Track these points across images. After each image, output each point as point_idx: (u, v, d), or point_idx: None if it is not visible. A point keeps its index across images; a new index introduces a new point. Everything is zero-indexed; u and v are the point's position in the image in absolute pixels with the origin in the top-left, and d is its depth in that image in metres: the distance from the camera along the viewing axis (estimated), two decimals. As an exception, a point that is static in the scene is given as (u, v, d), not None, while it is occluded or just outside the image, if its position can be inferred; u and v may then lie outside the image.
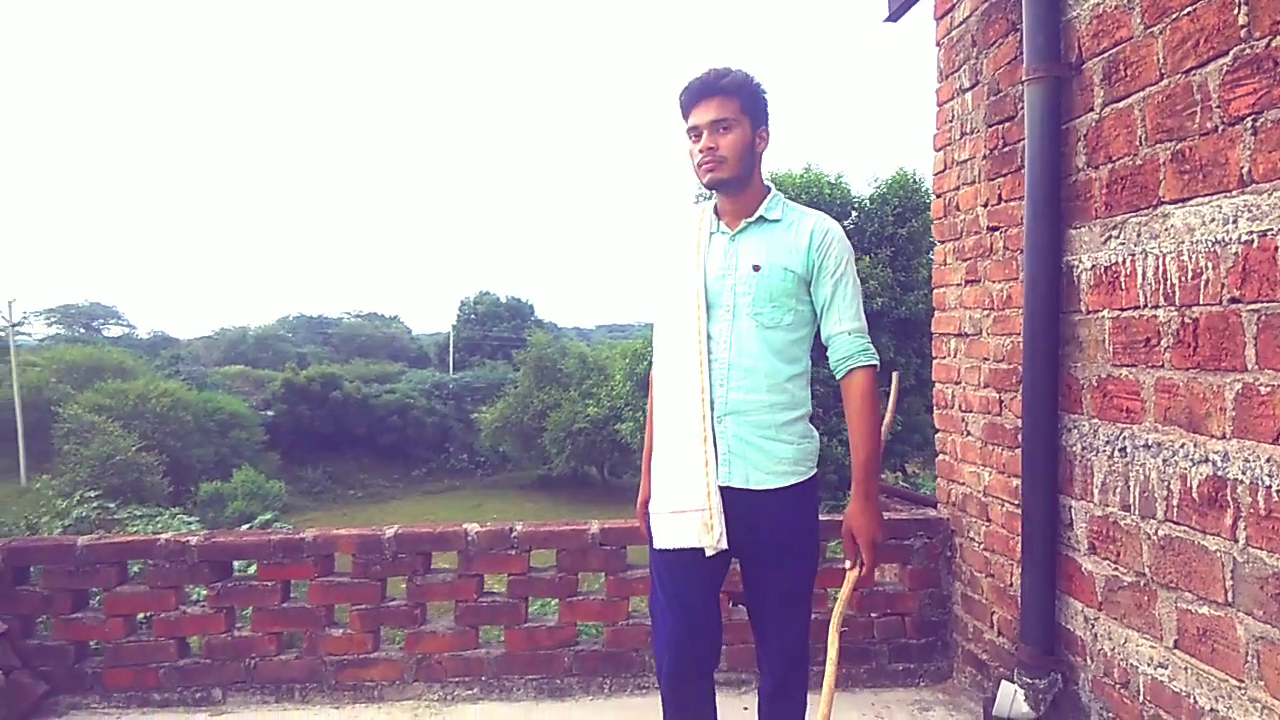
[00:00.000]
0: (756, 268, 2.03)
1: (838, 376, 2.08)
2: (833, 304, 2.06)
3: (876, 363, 2.07)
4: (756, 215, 2.09)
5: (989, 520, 2.67)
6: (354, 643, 2.95)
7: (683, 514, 2.01)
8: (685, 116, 2.08)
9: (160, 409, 30.43)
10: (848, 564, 2.08)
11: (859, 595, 2.97)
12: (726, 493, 2.00)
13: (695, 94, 2.04)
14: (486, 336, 56.06)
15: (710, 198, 2.19)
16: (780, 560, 2.05)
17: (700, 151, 2.03)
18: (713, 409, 2.02)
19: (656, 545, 2.07)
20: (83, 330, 60.22)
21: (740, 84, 2.03)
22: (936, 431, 3.04)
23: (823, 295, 2.06)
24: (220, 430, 32.66)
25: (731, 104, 2.01)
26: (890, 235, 18.57)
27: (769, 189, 2.14)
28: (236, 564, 3.08)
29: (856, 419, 2.05)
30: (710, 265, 2.09)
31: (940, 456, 3.03)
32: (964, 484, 2.84)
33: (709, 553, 2.00)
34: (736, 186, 2.06)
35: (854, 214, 19.43)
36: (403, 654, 2.95)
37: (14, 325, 38.31)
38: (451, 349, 57.67)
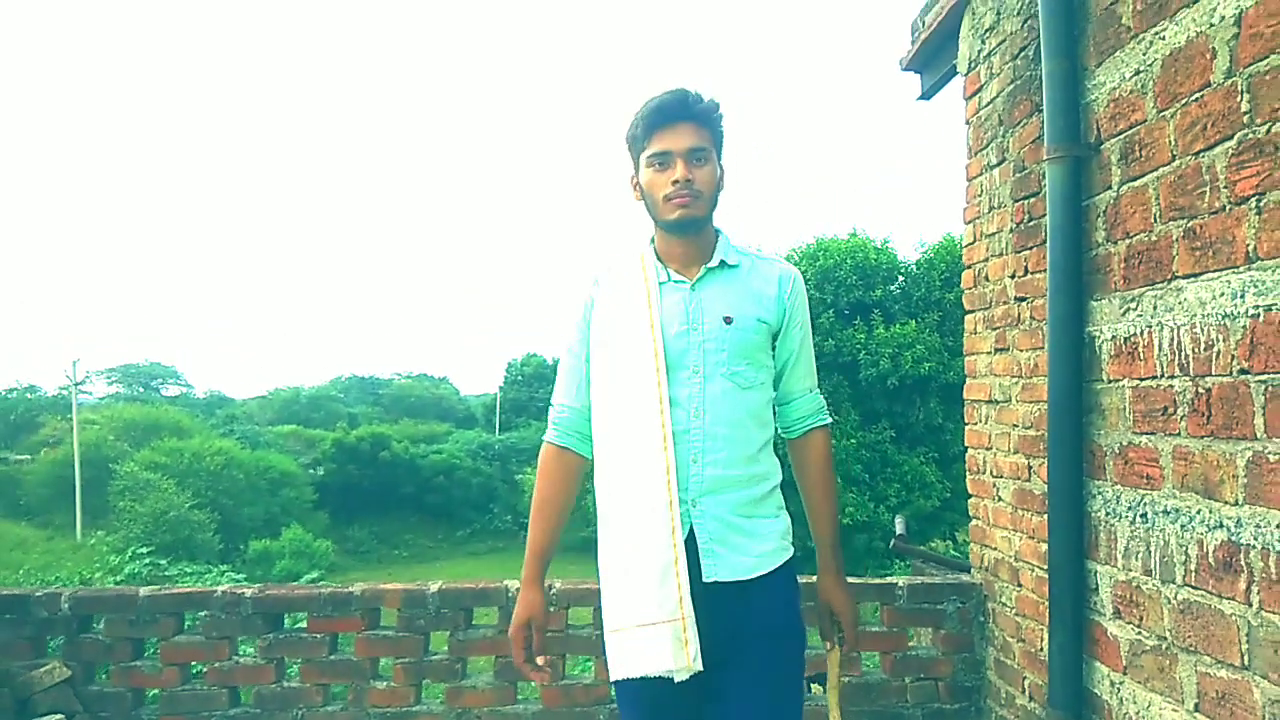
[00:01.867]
0: (729, 320, 1.82)
1: (792, 435, 1.95)
2: (799, 358, 1.93)
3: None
4: (717, 260, 1.87)
5: (1020, 585, 2.70)
6: (397, 695, 3.04)
7: (651, 627, 1.68)
8: (647, 139, 1.81)
9: (214, 467, 31.09)
10: (827, 645, 1.96)
11: (891, 659, 3.00)
12: (708, 591, 1.72)
13: (668, 114, 1.79)
14: (533, 398, 56.46)
15: (651, 242, 1.94)
16: (771, 659, 1.78)
17: (672, 184, 1.77)
18: (683, 491, 1.74)
19: (619, 674, 1.73)
20: (142, 389, 61.83)
21: (715, 112, 1.83)
22: (969, 497, 3.08)
23: (789, 349, 1.91)
24: (271, 489, 33.23)
25: (705, 133, 1.82)
26: (937, 300, 18.58)
27: (718, 230, 1.93)
28: (287, 617, 3.19)
29: (822, 482, 1.93)
30: (668, 320, 1.82)
31: (973, 521, 3.07)
32: (996, 549, 2.88)
33: (680, 678, 1.69)
34: (699, 228, 1.85)
35: (900, 279, 19.49)
36: (444, 707, 3.03)
37: (77, 384, 39.41)
38: (498, 410, 58.17)
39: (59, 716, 2.93)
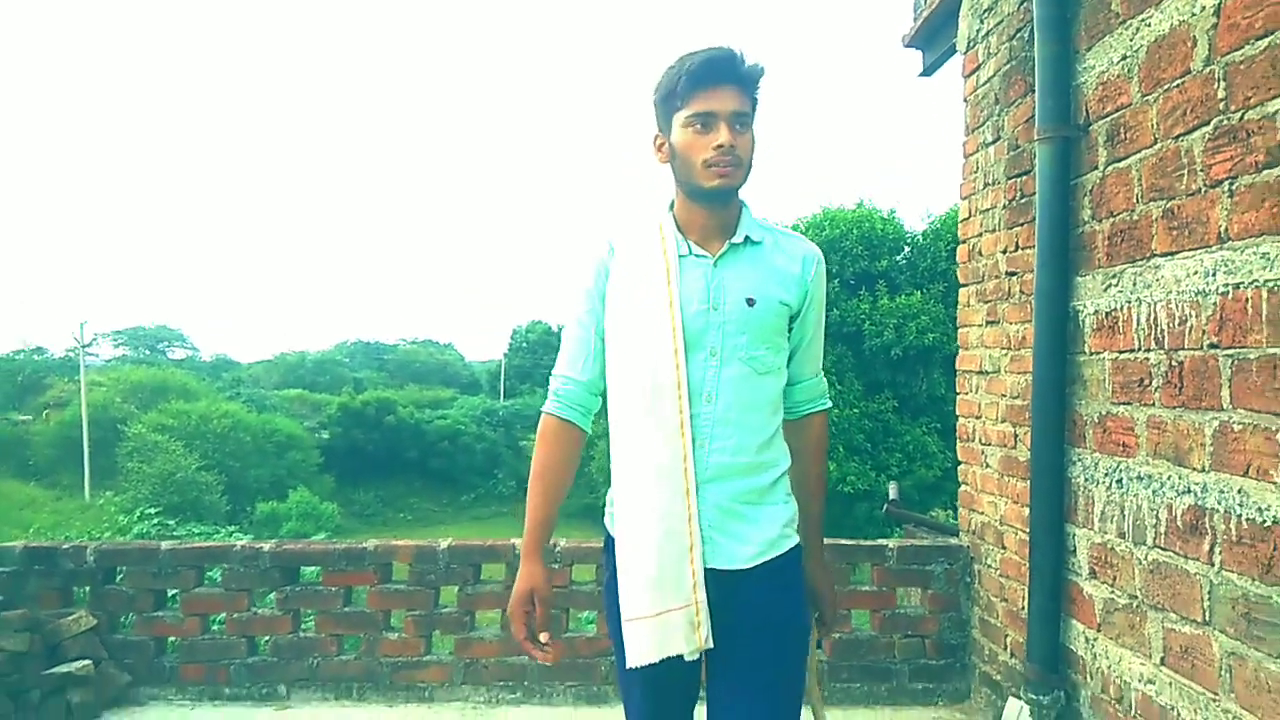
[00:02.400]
0: (751, 302, 1.71)
1: (792, 417, 1.86)
2: (811, 342, 1.84)
3: None
4: (742, 236, 1.75)
5: (1004, 548, 2.82)
6: (408, 646, 3.17)
7: (667, 614, 1.65)
8: (688, 97, 1.66)
9: (221, 430, 31.33)
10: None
11: (880, 617, 3.13)
12: (707, 577, 1.66)
13: (716, 72, 1.65)
14: (538, 365, 56.64)
15: (670, 209, 1.81)
16: (771, 650, 1.71)
17: (715, 148, 1.64)
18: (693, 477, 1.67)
19: (636, 661, 1.67)
20: (148, 352, 62.12)
21: (761, 77, 1.71)
22: (959, 463, 3.20)
23: (804, 332, 1.82)
24: (278, 452, 33.48)
25: (748, 98, 1.69)
26: (943, 271, 18.62)
27: (742, 202, 1.79)
28: (304, 570, 3.32)
29: (815, 465, 1.88)
30: (688, 298, 1.71)
31: (962, 487, 3.18)
32: (983, 513, 3.00)
33: (691, 658, 1.66)
34: (732, 198, 1.73)
35: (906, 249, 19.53)
36: (452, 658, 3.17)
37: (84, 346, 39.63)
38: (503, 376, 58.41)
39: (86, 662, 3.07)
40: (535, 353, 58.12)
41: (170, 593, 3.35)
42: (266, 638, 3.26)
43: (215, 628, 3.32)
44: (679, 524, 1.65)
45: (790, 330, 1.79)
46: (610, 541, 1.82)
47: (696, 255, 1.75)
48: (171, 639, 3.34)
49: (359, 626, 3.20)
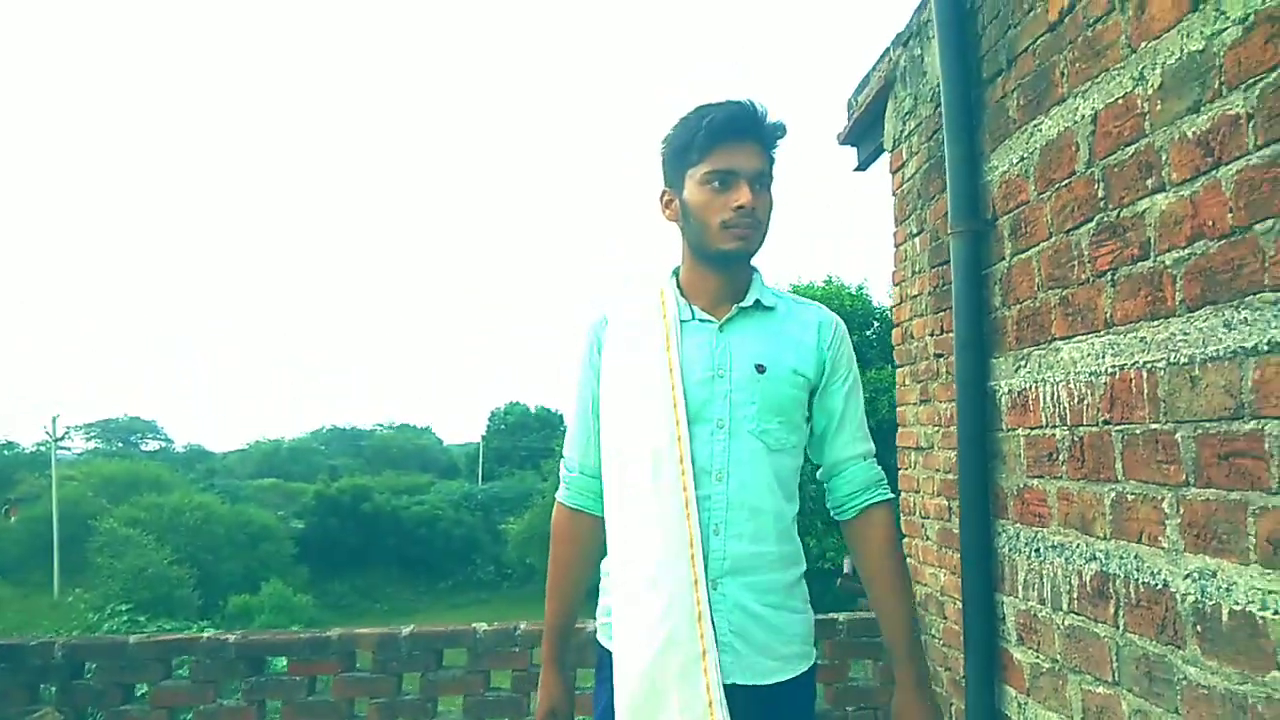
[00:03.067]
0: (761, 369, 1.57)
1: (846, 516, 1.67)
2: (845, 419, 1.67)
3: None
4: (752, 300, 1.63)
5: (945, 617, 2.93)
6: (372, 734, 3.22)
7: None
8: (706, 152, 1.54)
9: (193, 522, 30.97)
10: None
11: (833, 690, 3.21)
12: (727, 695, 1.44)
13: (739, 128, 1.54)
14: (516, 447, 56.49)
15: (674, 275, 1.71)
16: None
17: (735, 209, 1.52)
18: (705, 569, 1.47)
19: None
20: (121, 444, 61.44)
21: (783, 136, 1.60)
22: (903, 537, 3.32)
23: (833, 407, 1.66)
24: (251, 543, 33.06)
25: (768, 157, 1.59)
26: (909, 347, 18.88)
27: (753, 267, 1.67)
28: (268, 661, 3.37)
29: (890, 572, 1.64)
30: (690, 364, 1.57)
31: (907, 559, 3.30)
32: (925, 584, 3.12)
33: None
34: (746, 262, 1.63)
35: (875, 324, 19.86)
36: (417, 744, 3.21)
37: (56, 440, 39.22)
38: (481, 459, 58.10)
39: (51, 760, 3.10)
40: (514, 434, 58.00)
41: (138, 687, 3.38)
42: (233, 730, 3.29)
43: (182, 721, 3.35)
44: (685, 625, 1.42)
45: (811, 408, 1.65)
46: (605, 658, 1.59)
47: (700, 320, 1.62)
48: (138, 734, 3.36)
49: (324, 715, 3.24)
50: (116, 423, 64.13)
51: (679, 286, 1.68)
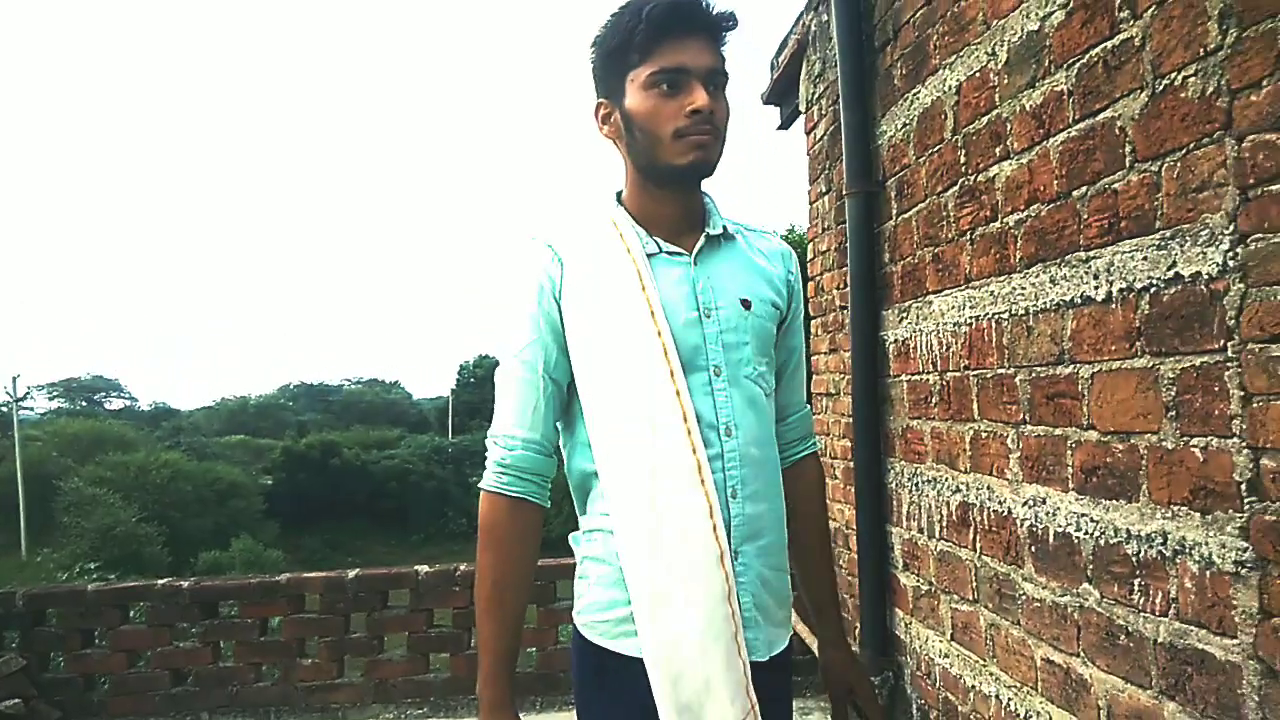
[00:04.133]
0: (747, 305, 1.40)
1: (790, 461, 1.54)
2: (797, 364, 1.56)
3: None
4: (719, 228, 1.44)
5: (849, 549, 3.16)
6: (321, 670, 3.43)
7: None
8: (647, 51, 1.31)
9: (160, 480, 30.97)
10: None
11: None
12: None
13: (685, 18, 1.31)
14: (485, 400, 56.57)
15: (618, 203, 1.46)
16: None
17: (689, 114, 1.30)
18: (729, 538, 1.30)
19: None
20: (85, 403, 60.94)
21: (735, 28, 1.37)
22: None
23: (793, 345, 1.54)
24: (219, 500, 33.12)
25: (721, 54, 1.36)
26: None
27: (704, 192, 1.47)
28: (222, 605, 3.56)
29: (821, 525, 1.58)
30: (671, 304, 1.36)
31: (822, 499, 3.54)
32: (834, 519, 3.34)
33: None
34: (704, 178, 1.40)
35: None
36: (363, 679, 3.43)
37: (17, 400, 38.86)
38: (451, 413, 58.27)
39: (16, 701, 3.28)
40: (483, 387, 58.06)
41: (97, 632, 3.56)
42: (190, 669, 3.48)
43: (141, 663, 3.53)
44: (717, 605, 1.26)
45: (776, 345, 1.48)
46: (610, 664, 1.34)
47: (669, 253, 1.40)
48: (101, 675, 3.55)
49: (275, 654, 3.44)
50: (80, 381, 63.51)
51: (630, 215, 1.42)
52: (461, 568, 3.41)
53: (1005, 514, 1.97)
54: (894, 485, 2.62)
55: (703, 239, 1.42)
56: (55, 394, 61.64)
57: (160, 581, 3.50)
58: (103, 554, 24.67)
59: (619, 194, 1.47)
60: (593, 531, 1.41)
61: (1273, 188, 1.21)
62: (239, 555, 27.37)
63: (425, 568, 3.43)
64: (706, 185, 1.47)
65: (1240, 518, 1.29)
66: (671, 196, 1.41)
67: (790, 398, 1.56)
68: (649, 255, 1.39)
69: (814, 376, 3.54)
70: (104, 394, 64.86)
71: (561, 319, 1.38)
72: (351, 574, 3.45)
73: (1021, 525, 1.90)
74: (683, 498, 1.29)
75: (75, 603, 3.45)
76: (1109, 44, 1.55)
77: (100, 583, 3.52)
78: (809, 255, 3.53)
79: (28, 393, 49.15)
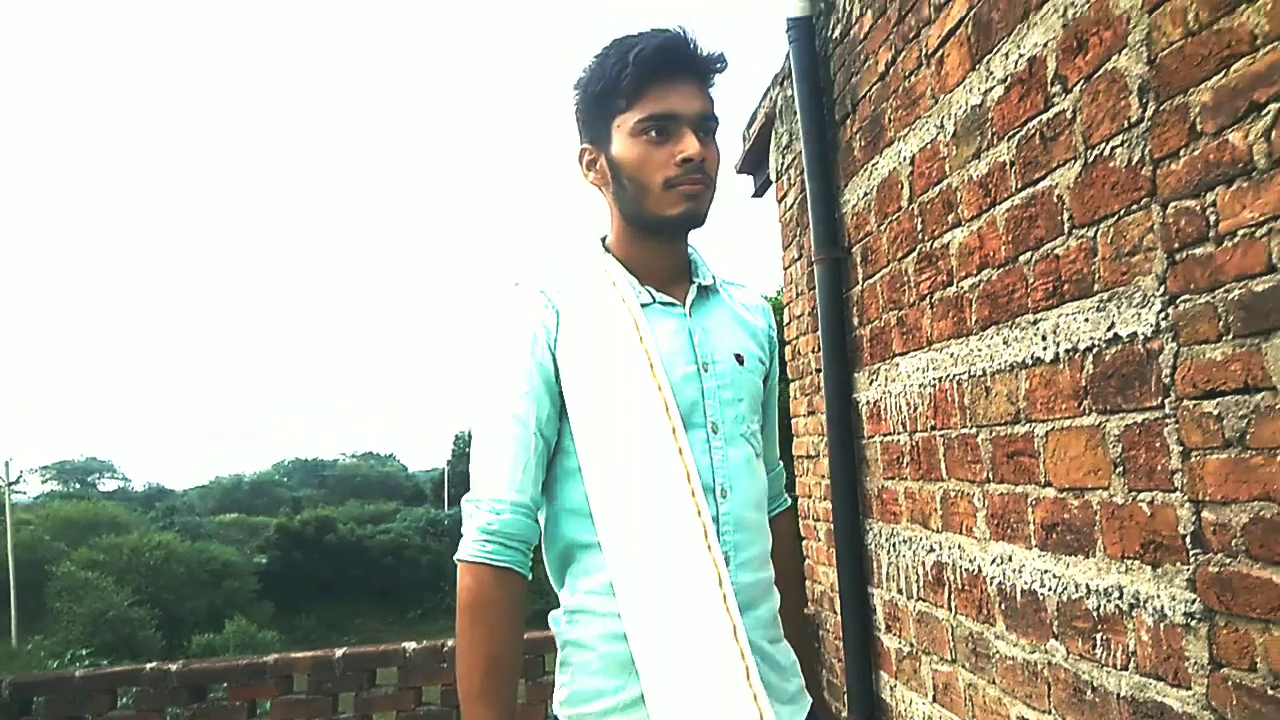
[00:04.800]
0: (741, 359, 1.36)
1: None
2: (774, 417, 1.53)
3: None
4: (709, 279, 1.41)
5: (835, 612, 3.17)
6: (311, 752, 3.39)
7: None
8: (635, 95, 1.25)
9: (154, 562, 30.67)
10: None
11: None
12: None
13: (677, 61, 1.26)
14: (481, 471, 56.16)
15: (604, 250, 1.40)
16: None
17: (680, 162, 1.25)
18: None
19: None
20: (78, 485, 60.54)
21: (723, 71, 1.32)
22: (802, 539, 3.56)
23: (770, 403, 1.51)
24: (213, 580, 32.76)
25: (710, 98, 1.31)
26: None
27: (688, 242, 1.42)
28: (212, 688, 3.53)
29: (797, 580, 1.57)
30: (670, 357, 1.30)
31: (806, 561, 3.55)
32: (820, 583, 3.35)
33: None
34: (694, 229, 1.35)
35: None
36: (353, 759, 3.39)
37: (10, 484, 38.58)
38: (446, 484, 57.86)
39: (0, 793, 3.23)
40: (477, 459, 57.67)
41: (86, 718, 3.53)
42: (177, 755, 3.45)
43: (127, 750, 3.50)
44: (740, 690, 1.17)
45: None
46: None
47: (663, 303, 1.35)
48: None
49: (264, 737, 3.41)
50: (73, 464, 63.21)
51: (620, 263, 1.37)
52: (449, 643, 3.40)
53: (976, 572, 2.00)
54: (873, 546, 2.65)
55: (694, 289, 1.38)
56: (49, 476, 61.29)
57: (149, 666, 3.47)
58: (95, 639, 24.33)
59: (604, 240, 1.42)
60: (577, 613, 1.31)
61: (1196, 251, 1.27)
62: (233, 637, 26.95)
63: (413, 644, 3.42)
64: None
65: (1187, 570, 1.33)
66: (661, 246, 1.37)
67: (770, 453, 1.52)
68: (643, 305, 1.34)
69: (794, 439, 3.58)
70: (98, 475, 64.52)
71: (556, 371, 1.30)
72: (339, 653, 3.43)
73: (991, 583, 1.93)
74: (693, 565, 1.20)
75: (63, 689, 3.43)
76: (1044, 117, 1.63)
77: (89, 669, 3.49)
78: (785, 319, 3.60)
79: (20, 476, 48.71)
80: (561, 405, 1.31)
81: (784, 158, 3.42)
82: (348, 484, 63.49)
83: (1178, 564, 1.35)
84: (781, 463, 1.59)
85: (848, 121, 2.64)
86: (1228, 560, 1.25)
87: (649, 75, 1.24)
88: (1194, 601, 1.32)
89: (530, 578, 1.28)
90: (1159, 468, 1.38)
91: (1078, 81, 1.52)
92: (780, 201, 3.54)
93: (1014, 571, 1.83)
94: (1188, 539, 1.33)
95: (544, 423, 1.28)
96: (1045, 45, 1.60)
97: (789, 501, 1.60)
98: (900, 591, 2.46)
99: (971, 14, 1.85)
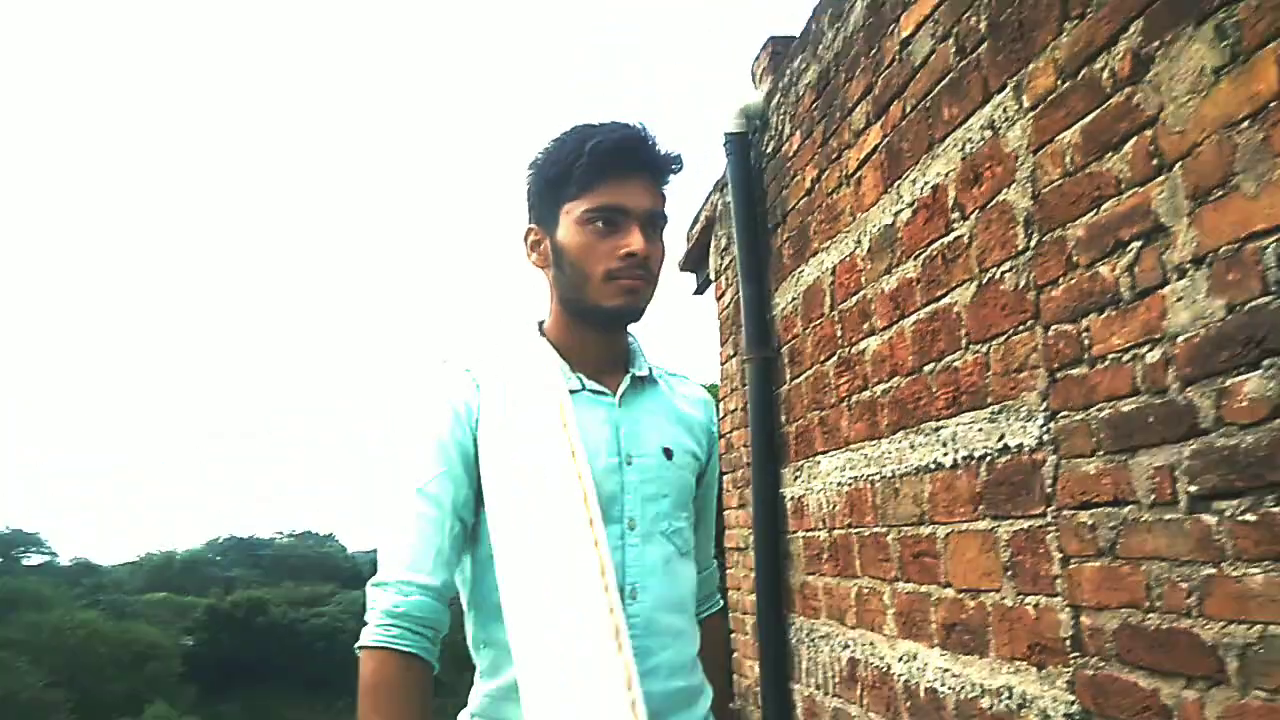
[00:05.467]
0: (669, 454, 1.31)
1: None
2: (709, 514, 1.48)
3: None
4: (645, 370, 1.37)
5: (759, 707, 3.20)
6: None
7: None
8: (588, 185, 1.25)
9: (74, 641, 29.46)
10: None
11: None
12: None
13: (632, 157, 1.27)
14: (422, 554, 55.09)
15: (540, 334, 1.38)
16: None
17: (623, 256, 1.24)
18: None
19: None
20: (2, 560, 58.14)
21: (679, 172, 1.34)
22: (730, 632, 3.60)
23: (705, 498, 1.47)
24: (136, 662, 31.52)
25: (662, 196, 1.33)
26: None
27: (629, 332, 1.40)
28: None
29: (721, 684, 1.49)
30: (592, 447, 1.26)
31: (734, 655, 3.57)
32: (745, 677, 3.39)
33: None
34: (634, 323, 1.36)
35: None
36: None
37: (-73, 557, 37.05)
38: (386, 569, 56.50)
39: None
40: (419, 542, 56.62)
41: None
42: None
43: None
44: None
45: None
46: None
47: (592, 391, 1.31)
48: None
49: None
50: (-4, 536, 60.83)
51: (553, 347, 1.34)
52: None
53: (885, 669, 2.06)
54: (795, 641, 2.70)
55: (628, 380, 1.34)
56: (-31, 550, 58.86)
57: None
58: (4, 723, 23.19)
59: (541, 324, 1.40)
60: (476, 718, 1.29)
61: (1073, 371, 1.39)
62: (152, 724, 25.90)
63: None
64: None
65: (1068, 672, 1.41)
66: (596, 335, 1.35)
67: (702, 551, 1.46)
68: (571, 392, 1.29)
69: (726, 531, 3.64)
70: (22, 549, 61.92)
71: (476, 451, 1.25)
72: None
73: (899, 681, 1.99)
74: (601, 664, 1.12)
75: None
76: (945, 240, 1.76)
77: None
78: (721, 413, 3.69)
79: (-61, 548, 46.90)
80: (480, 488, 1.26)
81: (722, 259, 3.55)
82: (283, 564, 61.70)
83: (1060, 666, 1.43)
84: (716, 561, 1.55)
85: (779, 230, 2.77)
86: (1102, 664, 1.33)
87: (603, 167, 1.25)
88: (1073, 703, 1.39)
89: (437, 669, 1.22)
90: (1043, 573, 1.47)
91: (974, 210, 1.65)
92: (718, 300, 3.67)
93: (919, 669, 1.89)
94: (1068, 642, 1.41)
95: (460, 504, 1.24)
96: (946, 175, 1.74)
97: (720, 603, 1.55)
98: (818, 688, 2.51)
99: (885, 142, 2.00)
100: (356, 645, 1.22)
